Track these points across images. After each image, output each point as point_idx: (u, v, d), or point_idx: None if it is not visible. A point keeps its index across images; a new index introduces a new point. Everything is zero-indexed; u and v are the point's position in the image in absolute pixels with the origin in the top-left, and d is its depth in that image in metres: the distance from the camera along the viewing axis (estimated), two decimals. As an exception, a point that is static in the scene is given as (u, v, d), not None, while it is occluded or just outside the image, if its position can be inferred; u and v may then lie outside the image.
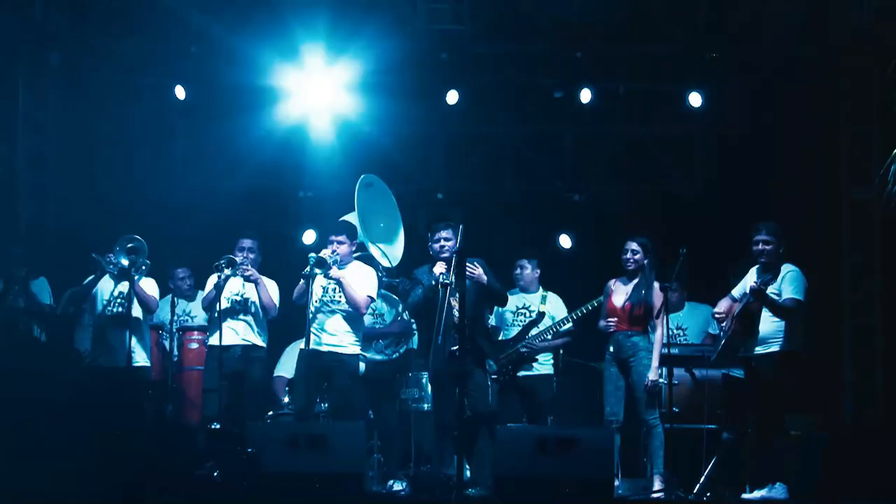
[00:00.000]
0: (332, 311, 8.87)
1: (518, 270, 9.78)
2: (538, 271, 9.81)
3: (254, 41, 10.91)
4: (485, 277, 8.46)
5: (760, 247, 8.42)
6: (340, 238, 8.91)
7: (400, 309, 9.68)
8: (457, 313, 8.14)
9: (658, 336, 8.76)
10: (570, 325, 9.67)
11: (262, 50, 10.90)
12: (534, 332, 9.61)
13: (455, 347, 8.16)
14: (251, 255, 9.25)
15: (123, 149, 11.27)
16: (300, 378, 8.87)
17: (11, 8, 10.52)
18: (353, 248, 9.03)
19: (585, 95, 10.75)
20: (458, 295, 8.05)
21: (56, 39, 10.79)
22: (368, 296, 8.95)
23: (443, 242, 8.56)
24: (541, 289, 9.80)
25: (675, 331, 9.41)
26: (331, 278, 8.80)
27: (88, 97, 11.09)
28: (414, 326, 9.69)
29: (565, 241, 11.26)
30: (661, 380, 9.08)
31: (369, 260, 9.26)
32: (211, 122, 11.39)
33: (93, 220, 10.94)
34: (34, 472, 6.10)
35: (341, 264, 8.90)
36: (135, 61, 11.02)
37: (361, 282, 8.94)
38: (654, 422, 8.68)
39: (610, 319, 8.86)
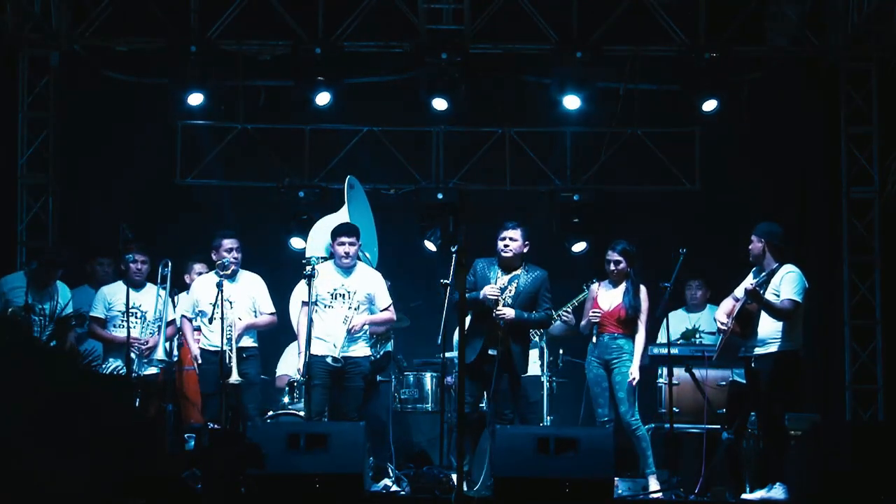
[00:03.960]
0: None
1: None
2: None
3: (253, 41, 10.92)
4: (511, 315, 8.50)
5: (749, 247, 8.47)
6: (352, 239, 8.89)
7: None
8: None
9: (640, 337, 8.80)
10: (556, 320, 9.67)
11: (262, 50, 10.91)
12: None
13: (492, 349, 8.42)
14: (237, 255, 9.19)
15: (123, 148, 11.28)
16: (316, 385, 8.81)
17: (12, 7, 10.51)
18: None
19: (573, 102, 10.71)
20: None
21: (56, 39, 10.78)
22: (388, 307, 9.02)
23: (508, 242, 8.61)
24: None
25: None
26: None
27: (88, 97, 11.08)
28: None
29: (578, 248, 11.28)
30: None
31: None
32: (211, 122, 11.40)
33: (93, 220, 10.96)
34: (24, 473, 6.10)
35: (351, 267, 8.92)
36: (135, 61, 11.02)
37: (378, 295, 8.98)
38: (635, 423, 8.70)
39: (594, 312, 8.85)
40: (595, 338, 8.82)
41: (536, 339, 9.66)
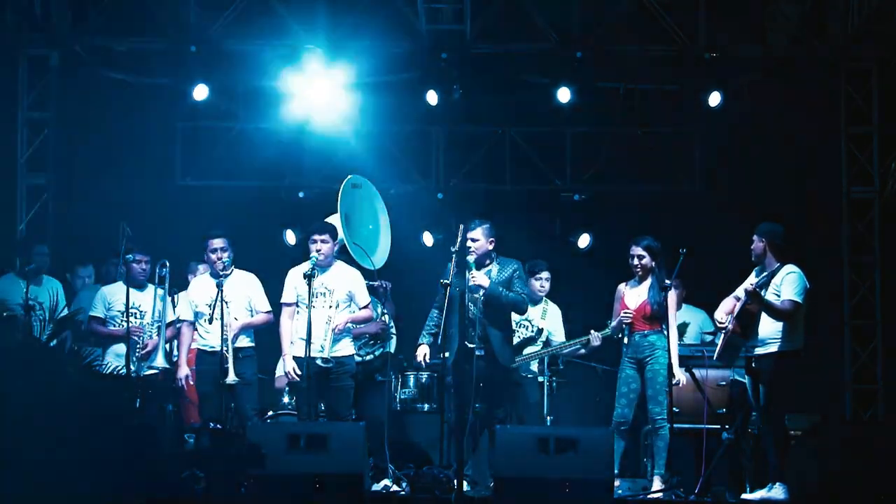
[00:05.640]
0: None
1: (538, 283, 9.73)
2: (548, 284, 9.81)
3: (253, 41, 10.92)
4: (485, 282, 8.50)
5: (750, 247, 8.48)
6: (324, 237, 8.87)
7: (380, 311, 9.63)
8: (474, 312, 8.43)
9: (673, 336, 8.79)
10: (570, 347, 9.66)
11: (262, 50, 10.92)
12: (528, 350, 9.58)
13: (473, 346, 8.39)
14: (224, 255, 9.16)
15: (123, 148, 11.28)
16: (304, 386, 8.80)
17: (12, 7, 10.52)
18: (337, 248, 9.01)
19: (564, 95, 10.71)
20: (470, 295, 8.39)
21: (56, 39, 10.78)
22: (367, 305, 9.01)
23: (469, 243, 8.63)
24: (543, 300, 9.79)
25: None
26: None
27: (88, 97, 11.09)
28: (392, 330, 9.68)
29: (583, 241, 11.28)
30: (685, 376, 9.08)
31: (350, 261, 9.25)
32: (211, 121, 11.42)
33: (93, 220, 10.96)
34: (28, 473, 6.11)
35: (326, 265, 8.93)
36: (135, 61, 11.02)
37: (358, 294, 8.96)
38: (661, 422, 8.67)
39: (625, 312, 8.84)
40: (626, 338, 8.82)
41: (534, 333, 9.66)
